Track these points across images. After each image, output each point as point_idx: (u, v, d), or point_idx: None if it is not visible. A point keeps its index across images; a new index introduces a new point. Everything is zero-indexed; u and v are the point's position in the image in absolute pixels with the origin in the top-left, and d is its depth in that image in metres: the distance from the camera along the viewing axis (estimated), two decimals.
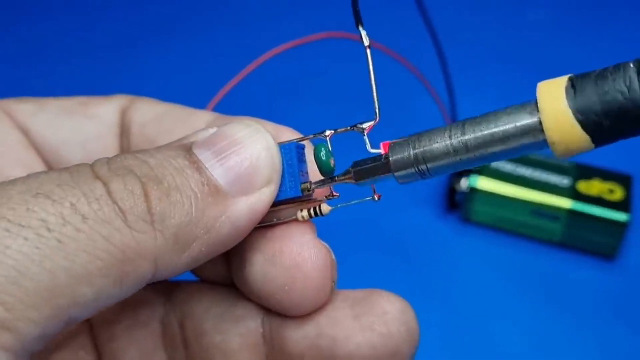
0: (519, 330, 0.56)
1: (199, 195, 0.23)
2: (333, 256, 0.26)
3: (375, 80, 0.24)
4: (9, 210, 0.20)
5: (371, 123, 0.25)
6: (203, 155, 0.24)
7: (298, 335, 0.26)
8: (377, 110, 0.24)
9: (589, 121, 0.20)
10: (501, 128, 0.22)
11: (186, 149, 0.24)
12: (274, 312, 0.27)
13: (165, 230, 0.22)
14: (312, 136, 0.26)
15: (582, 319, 0.56)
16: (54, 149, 0.30)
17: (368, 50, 0.24)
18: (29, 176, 0.22)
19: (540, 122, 0.21)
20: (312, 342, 0.26)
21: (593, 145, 0.21)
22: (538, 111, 0.21)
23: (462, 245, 0.61)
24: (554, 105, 0.21)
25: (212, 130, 0.25)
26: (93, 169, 0.22)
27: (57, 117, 0.30)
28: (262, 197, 0.24)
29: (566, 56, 0.71)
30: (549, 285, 0.58)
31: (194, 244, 0.23)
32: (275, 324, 0.27)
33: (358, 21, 0.24)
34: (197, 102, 0.32)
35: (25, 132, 0.30)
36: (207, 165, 0.23)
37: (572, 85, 0.21)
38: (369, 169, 0.25)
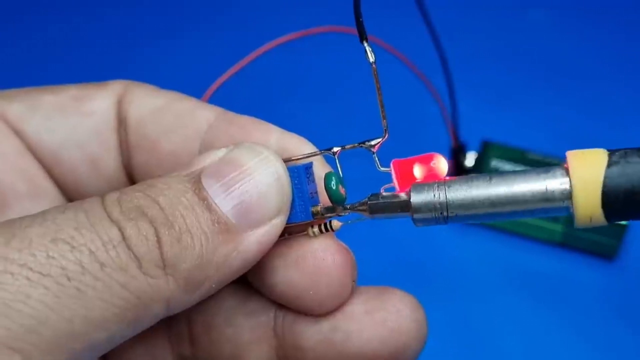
0: (518, 330, 0.56)
1: (209, 235, 0.23)
2: (353, 256, 0.26)
3: (382, 96, 0.23)
4: (30, 256, 0.21)
5: (380, 140, 0.24)
6: (212, 189, 0.23)
7: (312, 330, 0.26)
8: (385, 127, 0.24)
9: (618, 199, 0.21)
10: (529, 188, 0.22)
11: (195, 181, 0.24)
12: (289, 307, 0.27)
13: (177, 275, 0.22)
14: (319, 152, 0.26)
15: (582, 319, 0.56)
16: (52, 152, 0.30)
17: (374, 66, 0.24)
18: (45, 216, 0.22)
19: (569, 191, 0.21)
20: (325, 336, 0.26)
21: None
22: (569, 179, 0.21)
23: (462, 245, 0.61)
24: (589, 179, 0.21)
25: (220, 154, 0.25)
26: (105, 208, 0.22)
27: (52, 118, 0.30)
28: (272, 230, 0.24)
29: (567, 56, 0.70)
30: (549, 285, 0.58)
31: (205, 283, 0.23)
32: (288, 318, 0.27)
33: (362, 36, 0.23)
34: (192, 92, 0.32)
35: (20, 136, 0.29)
36: (216, 201, 0.23)
37: (610, 160, 0.21)
38: (386, 206, 0.24)
